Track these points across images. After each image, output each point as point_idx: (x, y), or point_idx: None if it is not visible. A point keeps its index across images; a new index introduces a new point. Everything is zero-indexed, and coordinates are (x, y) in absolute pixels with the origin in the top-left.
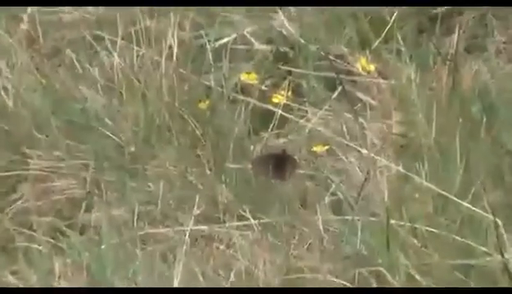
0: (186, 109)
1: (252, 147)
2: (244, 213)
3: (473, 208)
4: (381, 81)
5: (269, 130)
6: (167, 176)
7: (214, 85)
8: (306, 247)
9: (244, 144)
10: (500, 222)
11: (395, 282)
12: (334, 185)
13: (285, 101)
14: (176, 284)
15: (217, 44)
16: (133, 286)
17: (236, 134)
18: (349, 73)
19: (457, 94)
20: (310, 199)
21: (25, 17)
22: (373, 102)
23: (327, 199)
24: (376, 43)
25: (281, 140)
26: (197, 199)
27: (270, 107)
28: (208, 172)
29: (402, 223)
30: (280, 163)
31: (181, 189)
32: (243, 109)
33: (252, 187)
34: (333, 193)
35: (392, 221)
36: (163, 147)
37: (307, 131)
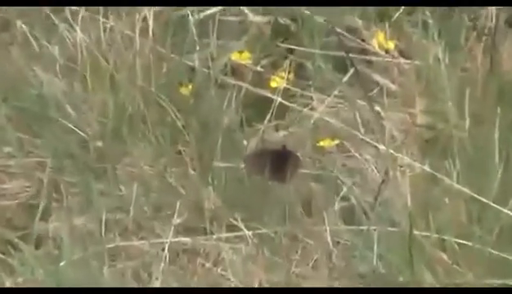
0: (164, 96)
1: (245, 142)
2: (235, 222)
3: None
4: (402, 61)
5: (266, 121)
6: (141, 178)
7: (199, 66)
8: (311, 263)
9: (236, 137)
10: None
11: None
12: (345, 188)
13: (285, 86)
14: None
15: (202, 15)
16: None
17: (226, 125)
18: (363, 51)
19: (495, 77)
20: (316, 205)
21: None
22: (392, 87)
23: (337, 205)
24: (397, 14)
25: (281, 133)
26: (178, 206)
27: (267, 93)
28: (192, 173)
29: (428, 234)
30: (279, 161)
31: (158, 193)
32: (234, 95)
33: (245, 190)
34: (344, 198)
35: (416, 232)
36: (137, 142)
37: (312, 122)
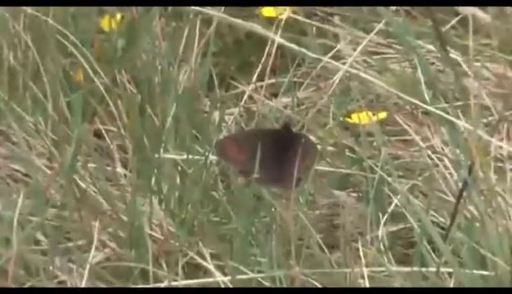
0: (72, 31)
1: (216, 115)
2: (200, 260)
3: None
4: None
5: (254, 77)
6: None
7: None
8: None
9: (201, 108)
10: None
11: None
12: (396, 199)
13: (290, 15)
14: None
15: None
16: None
17: (184, 87)
18: None
19: None
20: (344, 230)
21: None
22: (484, 16)
23: (382, 230)
24: None
25: (282, 100)
26: (96, 228)
27: (257, 27)
28: (121, 172)
29: None
30: (278, 151)
31: (58, 209)
32: (197, 27)
33: (217, 204)
34: (394, 216)
35: None
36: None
37: (336, 79)
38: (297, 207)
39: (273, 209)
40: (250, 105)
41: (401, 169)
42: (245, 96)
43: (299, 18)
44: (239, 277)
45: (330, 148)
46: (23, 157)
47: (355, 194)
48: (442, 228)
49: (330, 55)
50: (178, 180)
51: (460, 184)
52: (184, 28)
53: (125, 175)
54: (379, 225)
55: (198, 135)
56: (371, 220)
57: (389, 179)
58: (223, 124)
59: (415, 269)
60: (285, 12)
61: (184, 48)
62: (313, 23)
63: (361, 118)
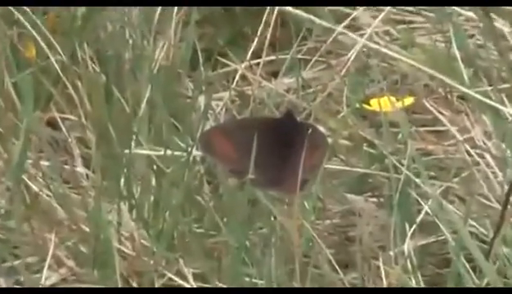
0: None
1: (202, 100)
2: (180, 281)
3: None
4: None
5: (250, 52)
6: None
7: None
8: None
9: (180, 91)
10: None
11: None
12: (426, 205)
13: None
14: None
15: None
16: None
17: (160, 65)
18: None
19: None
20: (361, 245)
21: None
22: None
23: (408, 243)
24: None
25: (284, 81)
26: (52, 241)
27: None
28: (81, 171)
29: None
30: (282, 145)
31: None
32: None
33: (202, 211)
34: (425, 226)
35: None
36: None
37: (352, 53)
38: (302, 216)
39: (272, 218)
40: (244, 88)
41: (432, 168)
42: (237, 77)
43: None
44: None
45: (344, 141)
46: None
47: (375, 200)
48: (484, 241)
49: (343, 24)
50: (154, 181)
51: (507, 187)
52: None
53: (87, 176)
54: (405, 238)
55: (178, 125)
56: (395, 231)
57: (418, 180)
58: (210, 112)
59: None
60: None
61: (160, 16)
62: None
63: (383, 104)
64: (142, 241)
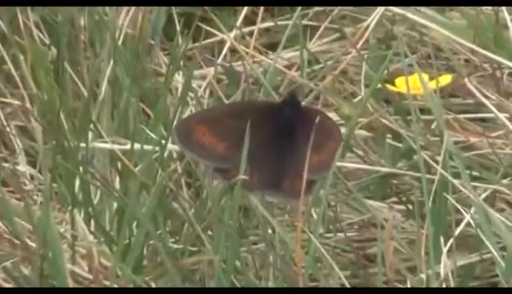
0: None
1: (180, 80)
2: None
3: None
4: None
5: (239, 21)
6: None
7: None
8: None
9: (152, 60)
10: None
11: None
12: (468, 214)
13: None
14: None
15: None
16: None
17: (124, 37)
18: None
19: None
20: (381, 264)
21: None
22: None
23: (445, 263)
24: None
25: (284, 55)
26: None
27: None
28: (25, 169)
29: None
30: (282, 136)
31: None
32: None
33: (183, 223)
34: (463, 242)
35: None
36: None
37: (372, 18)
38: (308, 228)
39: (270, 230)
40: (234, 64)
41: (475, 166)
42: (225, 49)
43: None
44: None
45: (362, 132)
46: None
47: (401, 207)
48: None
49: None
50: (118, 183)
51: None
52: None
53: (31, 177)
54: (441, 257)
55: (149, 111)
56: (428, 247)
57: (456, 182)
58: (190, 94)
59: None
60: None
61: None
62: None
63: (411, 84)
64: (103, 260)
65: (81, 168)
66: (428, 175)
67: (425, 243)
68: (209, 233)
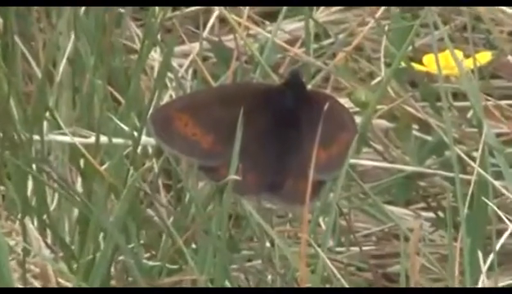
0: None
1: (157, 57)
2: None
3: None
4: None
5: None
6: None
7: None
8: None
9: (122, 32)
10: None
11: None
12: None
13: None
14: None
15: None
16: None
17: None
18: None
19: None
20: (405, 285)
21: None
22: None
23: (484, 283)
24: None
25: (285, 27)
26: None
27: None
28: None
29: None
30: (282, 127)
31: None
32: None
33: (160, 234)
34: (507, 258)
35: None
36: None
37: None
38: (314, 240)
39: (268, 243)
40: (223, 38)
41: None
42: (212, 19)
43: None
44: None
45: (382, 122)
46: None
47: (430, 214)
48: None
49: None
50: (80, 185)
51: None
52: None
53: None
54: (479, 275)
55: (119, 96)
56: (463, 265)
57: (498, 184)
58: (169, 75)
59: None
60: None
61: None
62: None
63: (442, 62)
64: (61, 280)
65: (34, 166)
66: (464, 176)
67: (459, 260)
68: (193, 246)
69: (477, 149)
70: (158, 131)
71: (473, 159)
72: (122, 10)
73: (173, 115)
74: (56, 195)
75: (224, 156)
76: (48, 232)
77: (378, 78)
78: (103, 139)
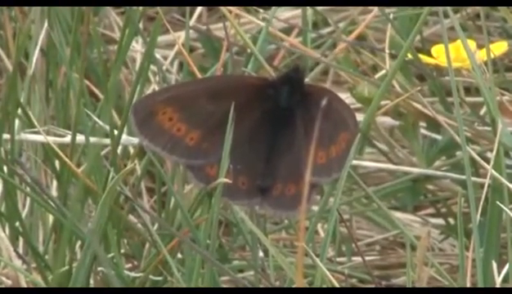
0: None
1: (140, 47)
2: None
3: None
4: None
5: None
6: None
7: None
8: None
9: (102, 21)
10: None
11: None
12: None
13: None
14: None
15: None
16: None
17: None
18: None
19: None
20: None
21: None
22: None
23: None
24: None
25: (281, 15)
26: None
27: None
28: None
29: None
30: (277, 124)
31: None
32: None
33: (143, 242)
34: None
35: None
36: None
37: None
38: (312, 249)
39: (260, 252)
40: (212, 26)
41: None
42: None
43: None
44: None
45: (386, 119)
46: None
47: (439, 221)
48: None
49: None
50: (55, 188)
51: None
52: None
53: None
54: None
55: (97, 91)
56: (476, 275)
57: None
58: (152, 68)
59: None
60: None
61: None
62: None
63: (454, 53)
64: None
65: (5, 168)
66: (476, 179)
67: (471, 271)
68: (179, 256)
69: (491, 150)
70: (139, 127)
71: (487, 160)
72: None
73: (156, 108)
74: (29, 200)
75: (211, 155)
76: (20, 240)
77: (382, 71)
78: (80, 138)
